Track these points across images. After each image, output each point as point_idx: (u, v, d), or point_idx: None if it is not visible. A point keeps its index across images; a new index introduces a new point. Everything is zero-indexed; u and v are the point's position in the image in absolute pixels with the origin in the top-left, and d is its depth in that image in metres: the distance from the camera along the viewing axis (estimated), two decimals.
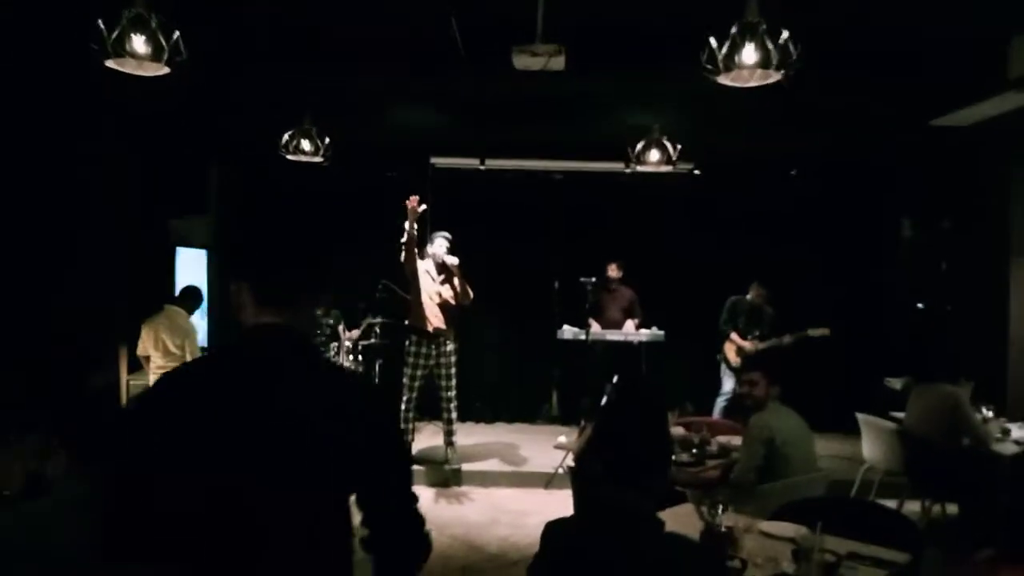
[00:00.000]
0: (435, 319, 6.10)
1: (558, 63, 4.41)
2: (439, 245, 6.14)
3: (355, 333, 7.32)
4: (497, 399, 8.32)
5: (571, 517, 2.10)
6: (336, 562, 1.57)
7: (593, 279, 6.83)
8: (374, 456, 1.56)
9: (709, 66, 3.26)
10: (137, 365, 6.12)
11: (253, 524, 1.44)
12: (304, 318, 1.66)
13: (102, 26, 3.07)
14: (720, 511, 2.65)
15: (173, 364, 5.85)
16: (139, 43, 3.12)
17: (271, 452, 1.46)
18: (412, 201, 5.61)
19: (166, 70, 3.29)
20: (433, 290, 6.12)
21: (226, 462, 1.45)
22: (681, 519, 2.71)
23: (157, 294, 6.24)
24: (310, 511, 1.49)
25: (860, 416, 5.44)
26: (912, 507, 4.87)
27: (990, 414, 5.01)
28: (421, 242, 6.11)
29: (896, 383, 7.17)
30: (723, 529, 2.56)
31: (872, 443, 5.32)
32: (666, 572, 1.81)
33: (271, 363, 1.54)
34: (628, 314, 7.39)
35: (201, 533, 1.43)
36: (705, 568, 1.89)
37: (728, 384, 7.16)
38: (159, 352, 5.86)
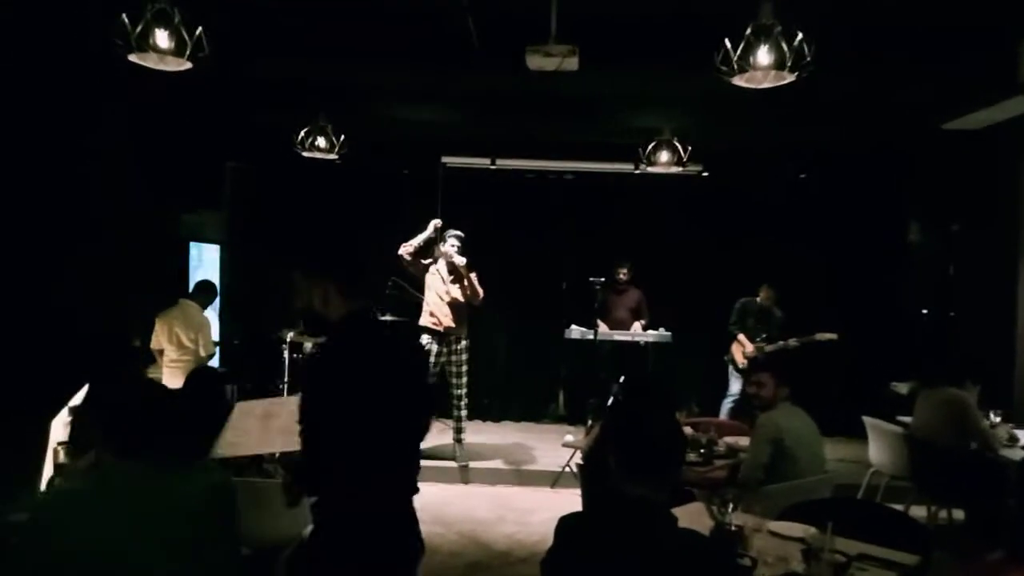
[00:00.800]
0: (445, 318, 6.14)
1: (572, 63, 4.42)
2: (450, 244, 6.17)
3: None
4: (505, 398, 8.35)
5: (584, 511, 2.13)
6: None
7: (602, 279, 6.85)
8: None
9: (723, 67, 3.28)
10: (151, 358, 6.16)
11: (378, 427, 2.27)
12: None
13: (126, 20, 3.10)
14: (730, 510, 2.67)
15: (187, 358, 5.91)
16: (162, 38, 3.15)
17: (393, 383, 2.32)
18: (436, 223, 5.94)
19: (188, 65, 3.33)
20: (443, 290, 6.17)
21: (370, 390, 2.26)
22: (691, 517, 2.73)
23: (171, 288, 6.29)
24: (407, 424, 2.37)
25: (867, 420, 5.44)
26: (918, 511, 4.87)
27: (997, 419, 5.00)
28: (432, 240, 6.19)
29: (903, 387, 7.17)
30: (733, 528, 2.58)
31: (879, 447, 5.32)
32: (679, 566, 1.83)
33: (374, 332, 2.46)
34: (635, 315, 7.40)
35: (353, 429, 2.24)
36: (717, 563, 1.91)
37: (735, 386, 7.17)
38: (173, 346, 5.90)
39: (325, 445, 2.22)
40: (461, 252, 6.14)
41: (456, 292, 6.17)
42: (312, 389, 2.29)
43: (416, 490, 2.40)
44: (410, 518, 2.36)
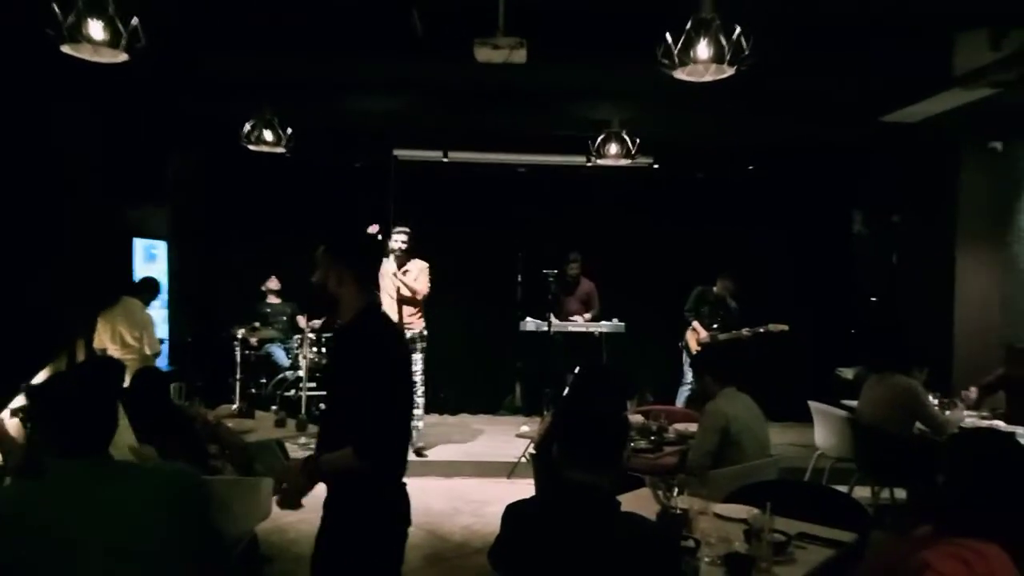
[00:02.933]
0: (394, 315, 6.14)
1: (520, 56, 4.43)
2: (396, 240, 6.17)
3: (316, 323, 7.27)
4: (461, 390, 8.35)
5: (531, 499, 2.15)
6: None
7: (555, 271, 6.90)
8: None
9: (665, 61, 3.33)
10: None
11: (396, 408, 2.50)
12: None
13: (57, 10, 3.01)
14: (675, 494, 2.73)
15: (131, 356, 5.78)
16: (96, 28, 3.07)
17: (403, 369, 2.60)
18: (374, 228, 5.73)
19: (124, 57, 3.24)
20: (392, 288, 6.17)
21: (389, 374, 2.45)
22: (638, 502, 2.78)
23: (114, 286, 6.14)
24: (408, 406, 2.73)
25: (812, 404, 5.59)
26: (862, 492, 5.02)
27: (935, 402, 5.17)
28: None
29: (848, 373, 7.38)
30: (678, 511, 2.64)
31: (824, 431, 5.46)
32: (623, 550, 1.87)
33: (386, 324, 2.66)
34: (586, 307, 7.46)
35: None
36: (660, 546, 1.95)
37: (691, 373, 7.29)
38: (116, 345, 5.78)
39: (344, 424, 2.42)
40: (407, 247, 6.15)
41: (405, 289, 6.18)
42: (340, 371, 2.57)
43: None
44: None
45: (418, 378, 6.26)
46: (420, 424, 6.40)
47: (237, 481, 3.52)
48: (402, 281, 6.16)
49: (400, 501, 2.55)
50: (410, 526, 2.58)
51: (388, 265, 6.18)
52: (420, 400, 6.39)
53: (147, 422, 3.35)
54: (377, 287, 2.78)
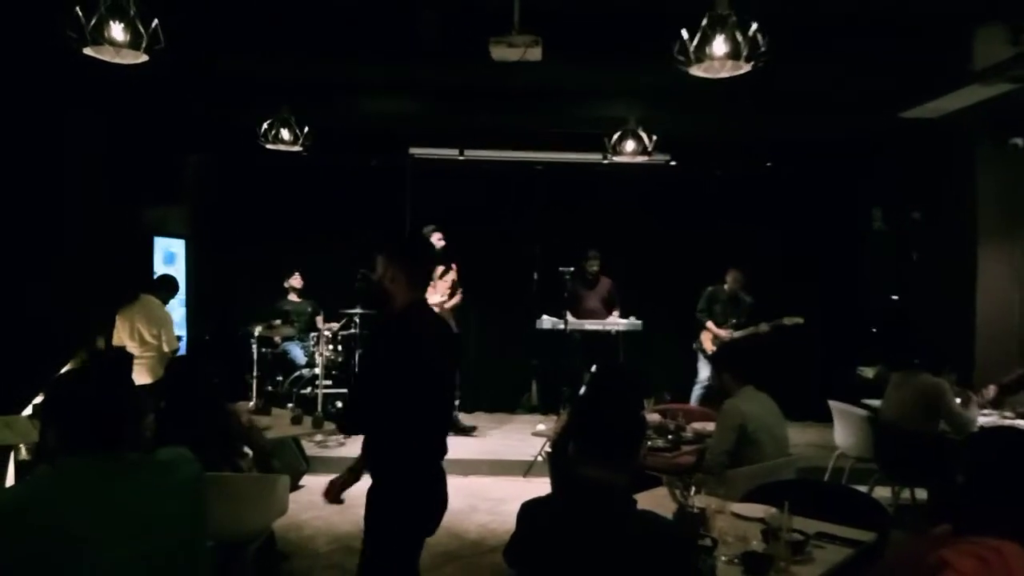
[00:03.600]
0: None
1: (535, 54, 4.43)
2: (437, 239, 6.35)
3: (335, 325, 7.31)
4: (478, 389, 8.36)
5: (547, 496, 2.16)
6: None
7: (572, 269, 6.88)
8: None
9: (681, 58, 3.32)
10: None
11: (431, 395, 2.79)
12: None
13: (80, 13, 3.06)
14: (692, 492, 2.72)
15: (150, 354, 5.83)
16: (117, 31, 3.11)
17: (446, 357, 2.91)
18: (436, 236, 6.30)
19: (144, 58, 3.28)
20: (430, 290, 6.25)
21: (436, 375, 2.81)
22: (655, 501, 2.78)
23: (134, 283, 6.20)
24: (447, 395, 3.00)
25: (833, 404, 5.54)
26: (883, 492, 4.98)
27: (958, 399, 5.11)
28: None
29: (869, 372, 7.31)
30: (695, 509, 2.63)
31: (844, 430, 5.42)
32: (638, 548, 1.87)
33: (430, 318, 2.91)
34: (607, 304, 7.44)
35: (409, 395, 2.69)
36: (675, 544, 1.94)
37: (704, 372, 7.27)
38: (135, 342, 5.83)
39: (379, 402, 2.70)
40: (443, 246, 6.33)
41: (442, 290, 6.37)
42: (378, 357, 2.83)
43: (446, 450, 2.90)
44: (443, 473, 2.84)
45: None
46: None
47: (255, 478, 3.55)
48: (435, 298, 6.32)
49: (410, 493, 2.72)
50: (432, 509, 2.80)
51: None
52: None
53: (184, 412, 3.37)
54: (417, 285, 2.86)
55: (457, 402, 6.69)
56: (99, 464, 1.90)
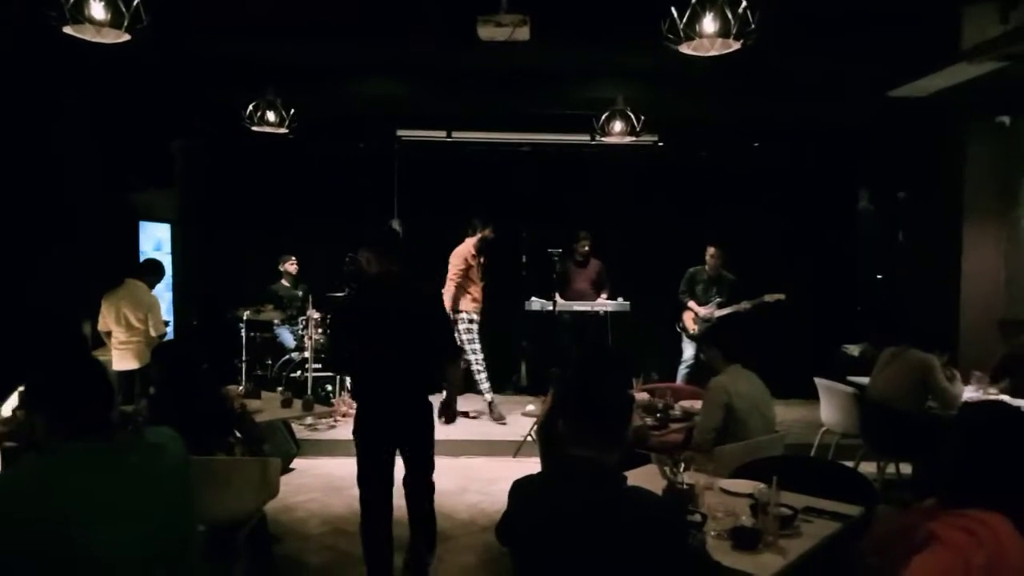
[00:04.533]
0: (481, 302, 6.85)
1: (523, 33, 4.41)
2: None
3: (316, 315, 7.27)
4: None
5: (538, 474, 2.16)
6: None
7: (559, 250, 6.88)
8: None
9: (670, 36, 3.30)
10: (99, 342, 6.03)
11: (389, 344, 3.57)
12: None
13: None
14: (682, 469, 2.74)
15: (137, 339, 5.80)
16: (98, 9, 3.05)
17: (403, 326, 3.56)
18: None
19: (126, 37, 3.23)
20: (478, 274, 6.80)
21: (383, 329, 3.57)
22: (645, 478, 2.80)
23: (120, 268, 6.15)
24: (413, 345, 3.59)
25: (819, 381, 5.59)
26: (868, 468, 5.03)
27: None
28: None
29: (854, 349, 7.38)
30: (684, 486, 2.65)
31: (830, 407, 5.47)
32: (629, 524, 1.88)
33: (398, 285, 3.68)
34: (596, 286, 7.45)
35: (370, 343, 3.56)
36: (667, 520, 1.95)
37: (688, 351, 7.31)
38: (121, 327, 5.78)
39: (349, 356, 3.70)
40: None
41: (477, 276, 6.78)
42: (342, 317, 3.99)
43: (435, 388, 3.78)
44: (427, 404, 3.70)
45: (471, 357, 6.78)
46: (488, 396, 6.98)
47: (246, 461, 3.54)
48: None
49: (363, 415, 3.67)
50: (384, 427, 3.65)
51: (465, 248, 6.72)
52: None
53: (176, 396, 3.35)
54: (393, 262, 3.70)
55: (487, 384, 6.96)
56: (88, 448, 1.89)
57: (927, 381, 4.81)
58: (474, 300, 6.78)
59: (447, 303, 6.61)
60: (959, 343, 6.52)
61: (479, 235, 6.73)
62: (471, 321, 6.81)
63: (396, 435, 3.64)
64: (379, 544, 3.63)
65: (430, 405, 3.72)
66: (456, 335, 6.51)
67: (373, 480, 3.62)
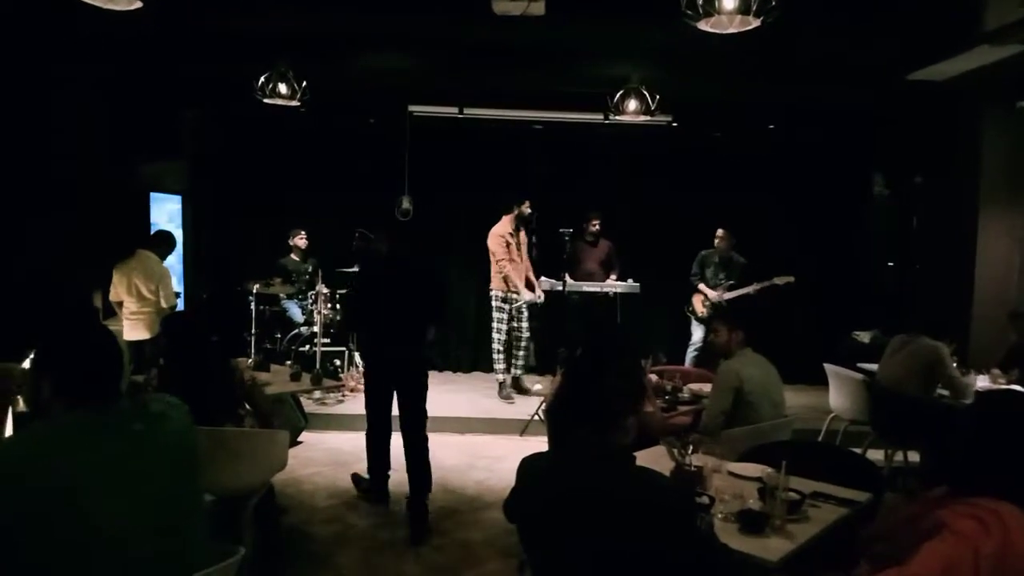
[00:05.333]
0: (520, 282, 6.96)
1: (538, 8, 4.35)
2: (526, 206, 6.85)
3: (326, 291, 7.27)
4: (475, 348, 8.39)
5: (546, 452, 2.16)
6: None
7: (570, 230, 6.85)
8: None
9: (689, 12, 3.24)
10: (111, 312, 6.06)
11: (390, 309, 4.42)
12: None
13: None
14: (690, 451, 2.74)
15: (148, 310, 5.83)
16: None
17: (403, 295, 4.42)
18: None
19: (139, 4, 3.20)
20: (518, 254, 6.93)
21: (388, 296, 4.43)
22: (653, 459, 2.80)
23: (131, 239, 6.17)
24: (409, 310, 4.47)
25: (828, 367, 5.56)
26: (876, 455, 5.02)
27: (953, 365, 5.14)
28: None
29: (864, 336, 7.34)
30: (692, 467, 2.65)
31: (839, 393, 5.45)
32: (638, 503, 1.87)
33: (403, 262, 4.53)
34: (606, 266, 7.41)
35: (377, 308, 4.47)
36: (677, 500, 1.95)
37: (697, 334, 7.28)
38: (133, 297, 5.81)
39: (362, 314, 4.63)
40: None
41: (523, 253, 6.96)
42: (358, 287, 4.91)
43: (429, 343, 4.67)
44: (419, 358, 4.54)
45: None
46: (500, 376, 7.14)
47: (255, 433, 3.56)
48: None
49: (369, 361, 4.70)
50: (383, 374, 4.53)
51: (502, 227, 6.85)
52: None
53: (185, 368, 3.36)
54: (402, 245, 4.60)
55: (502, 365, 7.09)
56: (93, 416, 1.89)
57: (936, 370, 4.79)
58: (505, 280, 6.87)
59: (500, 286, 6.86)
60: (971, 332, 6.48)
61: (516, 212, 6.82)
62: (504, 300, 6.93)
63: (393, 377, 4.48)
64: (379, 453, 4.65)
65: (424, 361, 4.59)
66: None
67: (378, 407, 4.56)
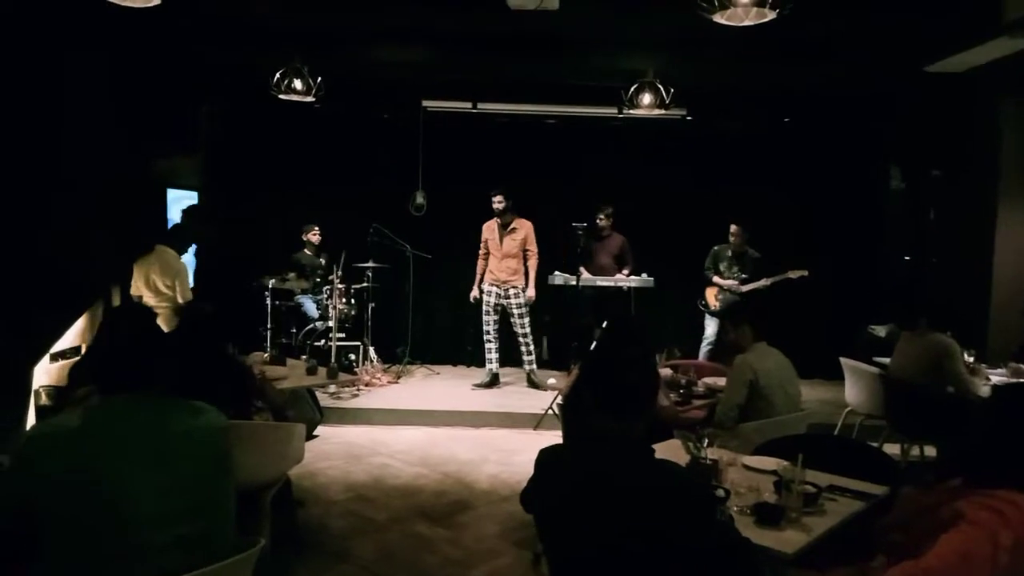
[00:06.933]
0: (500, 272, 7.08)
1: (552, 2, 4.35)
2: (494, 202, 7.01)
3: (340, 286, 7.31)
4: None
5: (564, 443, 2.17)
6: None
7: (584, 224, 6.84)
8: None
9: (704, 4, 3.23)
10: None
11: None
12: None
13: None
14: (705, 445, 2.74)
15: (165, 304, 5.88)
16: None
17: None
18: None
19: (156, 1, 3.22)
20: (497, 245, 7.08)
21: None
22: (668, 453, 2.79)
23: (149, 234, 6.22)
24: None
25: (844, 360, 5.53)
26: (891, 449, 4.99)
27: (971, 359, 5.10)
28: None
29: (880, 330, 7.29)
30: (708, 461, 2.65)
31: (855, 387, 5.42)
32: (658, 490, 1.87)
33: None
34: (619, 261, 7.40)
35: None
36: (696, 492, 1.95)
37: (710, 328, 7.27)
38: (151, 292, 5.87)
39: None
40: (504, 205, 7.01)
41: (510, 246, 7.00)
42: None
43: None
44: None
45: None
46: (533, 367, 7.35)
47: (273, 426, 3.59)
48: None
49: None
50: None
51: (491, 221, 7.05)
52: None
53: (198, 363, 3.39)
54: None
55: (527, 359, 7.28)
56: (129, 402, 1.96)
57: (944, 365, 4.75)
58: (490, 272, 7.21)
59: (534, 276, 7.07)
60: (989, 326, 6.42)
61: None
62: (484, 293, 7.23)
63: None
64: None
65: None
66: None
67: None
